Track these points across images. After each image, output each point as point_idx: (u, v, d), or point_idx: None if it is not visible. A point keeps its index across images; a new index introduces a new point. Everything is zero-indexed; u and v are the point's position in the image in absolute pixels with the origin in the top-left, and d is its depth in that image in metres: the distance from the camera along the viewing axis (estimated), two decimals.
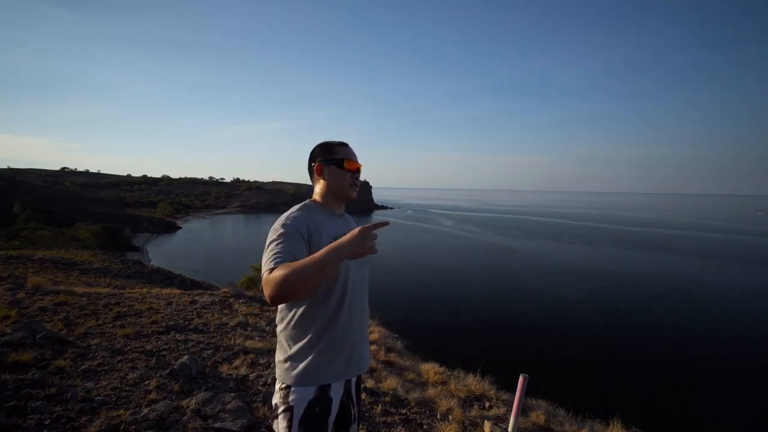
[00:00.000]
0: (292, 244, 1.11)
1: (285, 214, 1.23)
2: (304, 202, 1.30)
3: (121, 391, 2.57)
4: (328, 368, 1.22)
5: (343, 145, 1.32)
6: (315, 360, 1.20)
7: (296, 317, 1.22)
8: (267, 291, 1.00)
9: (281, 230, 1.14)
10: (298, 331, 1.22)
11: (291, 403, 1.18)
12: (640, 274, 26.95)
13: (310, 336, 1.21)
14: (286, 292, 0.97)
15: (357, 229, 1.03)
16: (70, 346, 3.27)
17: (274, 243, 1.11)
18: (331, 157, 1.29)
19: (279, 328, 1.27)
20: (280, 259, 1.05)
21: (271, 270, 1.02)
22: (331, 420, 1.23)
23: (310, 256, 1.00)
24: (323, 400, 1.21)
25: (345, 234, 1.26)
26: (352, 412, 1.33)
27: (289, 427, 1.16)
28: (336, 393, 1.24)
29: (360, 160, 1.34)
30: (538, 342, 14.61)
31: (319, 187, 1.32)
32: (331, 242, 1.16)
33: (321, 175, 1.30)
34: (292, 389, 1.19)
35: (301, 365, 1.20)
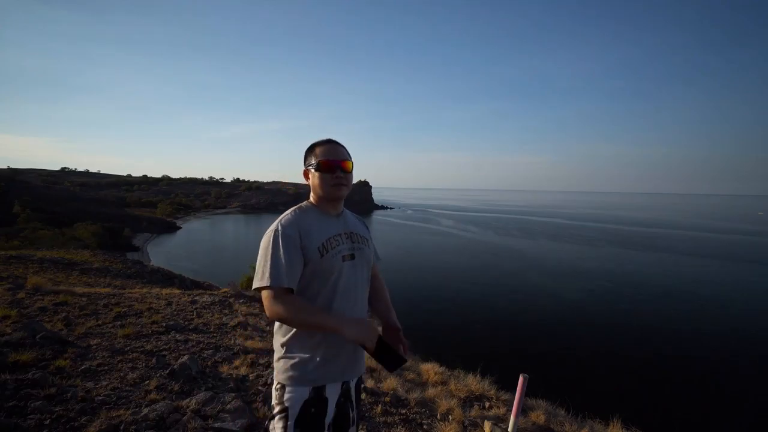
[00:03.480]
0: (286, 253, 1.16)
1: (279, 218, 1.27)
2: (299, 204, 1.34)
3: (121, 391, 2.57)
4: (324, 370, 1.21)
5: (324, 144, 1.31)
6: (311, 361, 1.20)
7: None
8: (268, 312, 1.16)
9: (276, 236, 1.19)
10: (294, 331, 1.22)
11: (286, 404, 1.18)
12: (640, 274, 26.95)
13: (305, 337, 1.21)
14: (284, 322, 1.19)
15: (374, 331, 1.14)
16: (70, 346, 3.27)
17: (270, 251, 1.17)
18: (311, 161, 1.30)
19: (275, 328, 1.27)
20: (275, 276, 1.14)
21: (272, 289, 1.13)
22: (328, 421, 1.22)
23: (319, 314, 1.14)
24: (319, 401, 1.20)
25: (340, 234, 1.30)
26: (351, 414, 1.32)
27: (285, 427, 1.16)
28: (332, 394, 1.24)
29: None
30: (538, 342, 14.61)
31: (311, 190, 1.35)
32: (322, 244, 1.22)
33: (308, 179, 1.33)
34: (287, 389, 1.19)
35: (297, 365, 1.20)
